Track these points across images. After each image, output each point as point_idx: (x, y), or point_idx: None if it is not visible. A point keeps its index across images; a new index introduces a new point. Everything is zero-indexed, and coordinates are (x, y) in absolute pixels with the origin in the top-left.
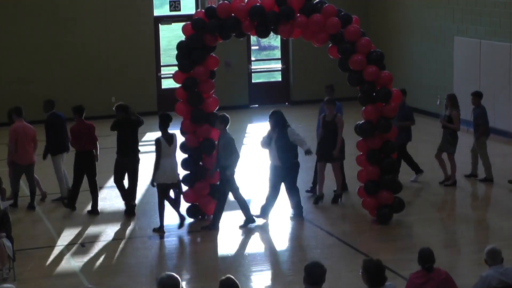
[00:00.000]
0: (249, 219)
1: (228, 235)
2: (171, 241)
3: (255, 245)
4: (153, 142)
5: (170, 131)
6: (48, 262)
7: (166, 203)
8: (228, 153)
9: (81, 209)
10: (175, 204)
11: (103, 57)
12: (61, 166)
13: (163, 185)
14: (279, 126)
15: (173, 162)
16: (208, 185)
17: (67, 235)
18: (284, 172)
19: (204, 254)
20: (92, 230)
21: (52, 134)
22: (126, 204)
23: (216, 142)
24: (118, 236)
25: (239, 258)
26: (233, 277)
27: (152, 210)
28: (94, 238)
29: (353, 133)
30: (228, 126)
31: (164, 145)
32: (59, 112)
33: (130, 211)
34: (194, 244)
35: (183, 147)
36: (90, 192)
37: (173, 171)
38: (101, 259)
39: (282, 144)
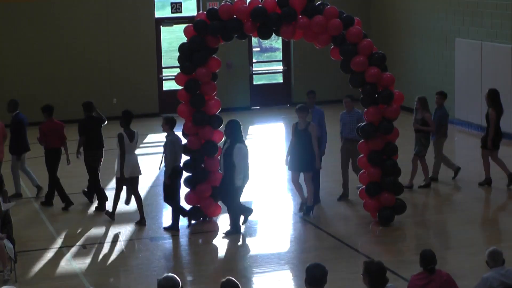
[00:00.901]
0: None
1: (230, 237)
2: (172, 242)
3: (257, 246)
4: (155, 143)
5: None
6: (50, 263)
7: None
8: (171, 154)
9: (82, 211)
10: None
11: (104, 59)
12: (18, 165)
13: (133, 179)
14: (231, 137)
15: (135, 157)
16: (210, 187)
17: (69, 237)
18: (225, 188)
19: (205, 256)
20: (93, 231)
21: (13, 134)
22: (87, 196)
23: (218, 144)
24: (120, 238)
25: (241, 260)
26: (234, 279)
27: (154, 212)
28: (95, 240)
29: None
30: (174, 128)
31: (126, 141)
32: (22, 114)
33: (99, 208)
34: (195, 245)
35: (185, 149)
36: (48, 185)
37: (137, 164)
38: (103, 260)
39: (226, 159)
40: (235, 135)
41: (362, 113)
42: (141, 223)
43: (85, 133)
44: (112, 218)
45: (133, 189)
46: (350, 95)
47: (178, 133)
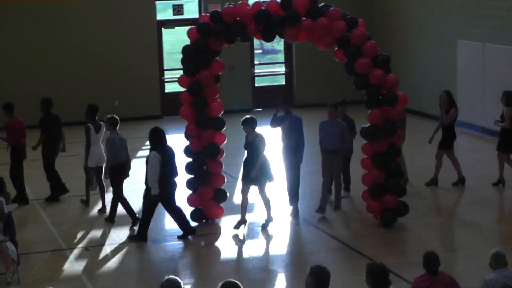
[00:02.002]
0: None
1: (232, 239)
2: (174, 245)
3: (259, 249)
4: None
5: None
6: (52, 266)
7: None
8: (109, 152)
9: (85, 213)
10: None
11: (106, 61)
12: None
13: (98, 168)
14: (151, 143)
15: (101, 148)
16: (212, 190)
17: (71, 239)
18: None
19: (207, 258)
20: (96, 234)
21: None
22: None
23: (219, 147)
24: (122, 240)
25: (243, 262)
26: (235, 281)
27: (155, 215)
28: (98, 242)
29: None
30: (118, 127)
31: (93, 132)
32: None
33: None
34: (197, 247)
35: (187, 151)
36: (12, 180)
37: (102, 155)
38: (105, 263)
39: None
40: (152, 143)
41: (345, 124)
42: (102, 210)
43: (46, 131)
44: (87, 205)
45: (98, 178)
46: (338, 103)
47: (180, 135)
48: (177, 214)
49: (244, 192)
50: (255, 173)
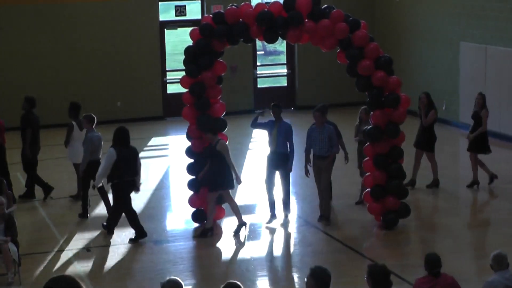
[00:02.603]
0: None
1: (233, 240)
2: (176, 246)
3: (261, 250)
4: (159, 147)
5: (171, 137)
6: (54, 266)
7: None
8: (87, 150)
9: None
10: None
11: (108, 62)
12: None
13: (75, 165)
14: (113, 141)
15: (81, 146)
16: None
17: (73, 240)
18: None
19: (209, 259)
20: (97, 234)
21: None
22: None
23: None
24: (124, 241)
25: (245, 263)
26: (238, 283)
27: (158, 215)
28: (100, 243)
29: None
30: (94, 125)
31: (76, 130)
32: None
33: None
34: (199, 249)
35: (189, 152)
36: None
37: (80, 152)
38: (107, 263)
39: None
40: (113, 140)
41: (333, 129)
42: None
43: (30, 126)
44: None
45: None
46: (321, 108)
47: (182, 136)
48: (131, 216)
49: (211, 200)
50: (239, 180)
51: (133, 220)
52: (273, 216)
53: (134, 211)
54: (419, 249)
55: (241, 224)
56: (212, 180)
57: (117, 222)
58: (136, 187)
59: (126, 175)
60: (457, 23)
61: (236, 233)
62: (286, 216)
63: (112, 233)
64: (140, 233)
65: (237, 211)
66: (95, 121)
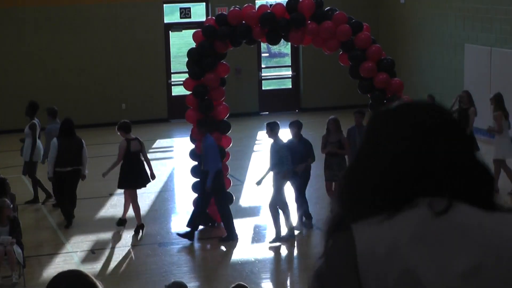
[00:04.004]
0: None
1: (238, 243)
2: (180, 248)
3: (265, 252)
4: (164, 149)
5: (175, 139)
6: (58, 268)
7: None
8: (47, 143)
9: (91, 216)
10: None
11: (113, 64)
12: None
13: (36, 163)
14: (59, 132)
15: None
16: None
17: (77, 242)
18: None
19: (213, 261)
20: (102, 236)
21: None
22: None
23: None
24: (128, 243)
25: (249, 266)
26: (245, 284)
27: (162, 217)
28: (104, 245)
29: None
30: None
31: (38, 129)
32: None
33: None
34: (203, 251)
35: (193, 155)
36: None
37: (41, 150)
38: (111, 266)
39: None
40: (59, 131)
41: (309, 142)
42: (34, 201)
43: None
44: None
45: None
46: (296, 121)
47: (186, 138)
48: (71, 203)
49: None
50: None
51: (64, 206)
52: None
53: (73, 200)
54: None
55: (139, 225)
56: (123, 177)
57: (66, 211)
58: (81, 176)
59: (67, 165)
60: (462, 25)
61: (136, 233)
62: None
63: (70, 223)
64: (68, 220)
65: (138, 212)
66: (57, 113)
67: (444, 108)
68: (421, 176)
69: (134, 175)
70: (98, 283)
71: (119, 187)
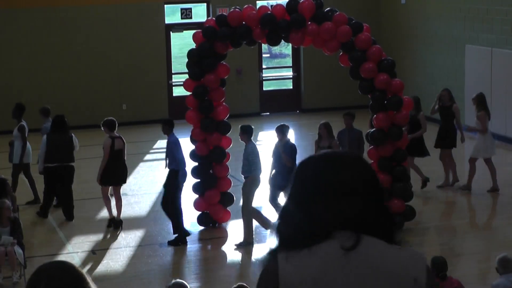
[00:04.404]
0: None
1: (239, 243)
2: (182, 248)
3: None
4: (163, 149)
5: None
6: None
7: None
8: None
9: (92, 217)
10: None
11: (114, 65)
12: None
13: (28, 164)
14: (50, 127)
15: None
16: (219, 193)
17: (79, 243)
18: None
19: (215, 262)
20: (103, 237)
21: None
22: None
23: (226, 151)
24: (129, 244)
25: (250, 266)
26: (246, 285)
27: (163, 218)
28: (105, 245)
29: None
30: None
31: (27, 131)
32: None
33: None
34: (204, 251)
35: (193, 156)
36: None
37: (30, 152)
38: (112, 266)
39: None
40: (50, 127)
41: (294, 146)
42: (35, 202)
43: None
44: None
45: (27, 173)
46: (282, 125)
47: (186, 139)
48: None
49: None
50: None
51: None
52: None
53: (70, 196)
54: (425, 252)
55: (120, 221)
56: (106, 174)
57: (50, 205)
58: (73, 172)
59: (55, 160)
60: (463, 26)
61: (116, 228)
62: None
63: (46, 216)
64: (44, 211)
65: (120, 208)
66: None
67: (365, 163)
68: (337, 222)
69: (116, 172)
70: (85, 275)
71: (103, 184)
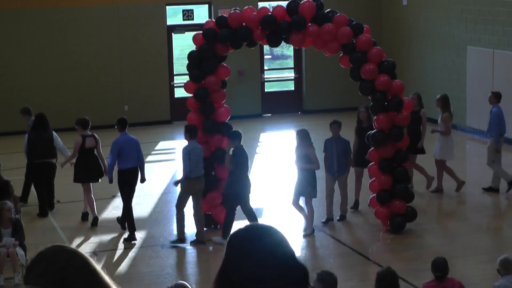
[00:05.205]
0: None
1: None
2: (183, 250)
3: None
4: (167, 151)
5: (178, 141)
6: None
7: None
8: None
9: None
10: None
11: (116, 66)
12: None
13: None
14: (34, 125)
15: None
16: (221, 195)
17: (80, 244)
18: None
19: (216, 263)
20: (104, 238)
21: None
22: None
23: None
24: (130, 245)
25: None
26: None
27: (165, 219)
28: (107, 247)
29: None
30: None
31: None
32: None
33: None
34: (206, 253)
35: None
36: None
37: None
38: (114, 267)
39: None
40: (34, 125)
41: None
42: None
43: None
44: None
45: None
46: (235, 131)
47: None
48: (48, 193)
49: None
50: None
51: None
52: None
53: (51, 191)
54: (426, 253)
55: (96, 217)
56: (77, 172)
57: (45, 202)
58: (54, 168)
59: (37, 157)
60: (464, 27)
61: (93, 225)
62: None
63: (46, 214)
64: (43, 210)
65: (92, 205)
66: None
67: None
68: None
69: (88, 169)
70: (88, 259)
71: (75, 181)
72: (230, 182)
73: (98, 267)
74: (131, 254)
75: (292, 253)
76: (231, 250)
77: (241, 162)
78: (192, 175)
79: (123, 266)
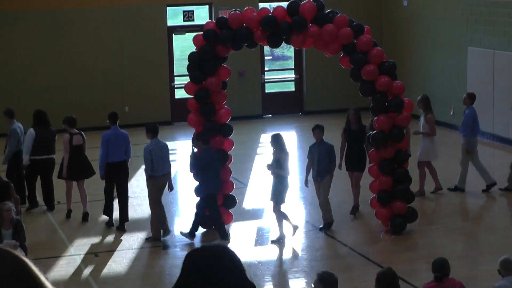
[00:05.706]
0: None
1: (241, 245)
2: (184, 251)
3: (269, 254)
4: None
5: (178, 142)
6: (62, 271)
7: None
8: (14, 141)
9: (95, 219)
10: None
11: (116, 67)
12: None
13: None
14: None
15: None
16: (222, 196)
17: (81, 245)
18: None
19: None
20: (106, 239)
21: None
22: None
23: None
24: (132, 246)
25: (252, 268)
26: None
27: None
28: (108, 248)
29: None
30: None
31: None
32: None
33: None
34: None
35: (196, 158)
36: None
37: None
38: (115, 268)
39: None
40: (33, 122)
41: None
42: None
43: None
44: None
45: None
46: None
47: (188, 141)
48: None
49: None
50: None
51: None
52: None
53: (50, 187)
54: (427, 254)
55: (87, 213)
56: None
57: (33, 192)
58: (53, 164)
59: (42, 153)
60: (465, 28)
61: (84, 220)
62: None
63: (53, 208)
64: (33, 202)
65: (84, 200)
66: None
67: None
68: None
69: (77, 167)
70: (28, 263)
71: (59, 177)
72: (204, 185)
73: (36, 269)
74: (132, 255)
75: (243, 272)
76: (186, 268)
77: (208, 164)
78: (156, 173)
79: (124, 267)
